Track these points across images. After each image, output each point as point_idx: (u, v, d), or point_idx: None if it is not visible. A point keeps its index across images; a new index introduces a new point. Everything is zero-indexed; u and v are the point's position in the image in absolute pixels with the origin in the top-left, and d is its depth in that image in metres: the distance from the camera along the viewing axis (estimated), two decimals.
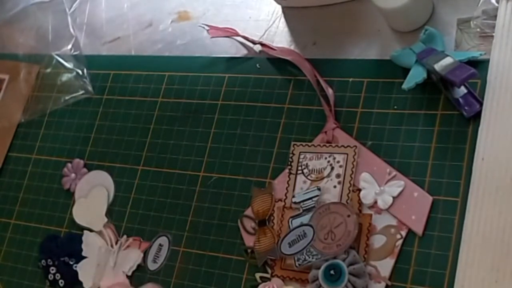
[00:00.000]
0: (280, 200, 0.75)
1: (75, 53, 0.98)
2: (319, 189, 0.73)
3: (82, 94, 0.94)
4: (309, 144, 0.76)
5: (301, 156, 0.76)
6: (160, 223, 0.81)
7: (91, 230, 0.84)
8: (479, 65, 0.69)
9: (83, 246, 0.84)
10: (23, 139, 0.96)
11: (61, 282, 0.84)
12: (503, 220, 0.63)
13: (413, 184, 0.69)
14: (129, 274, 0.80)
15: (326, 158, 0.74)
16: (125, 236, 0.82)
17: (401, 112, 0.73)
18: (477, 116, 0.68)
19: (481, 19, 0.72)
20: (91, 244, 0.83)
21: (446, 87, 0.70)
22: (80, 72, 0.95)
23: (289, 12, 0.86)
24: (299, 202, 0.73)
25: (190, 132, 0.84)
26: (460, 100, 0.69)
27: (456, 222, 0.66)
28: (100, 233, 0.84)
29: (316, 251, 0.69)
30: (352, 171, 0.72)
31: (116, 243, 0.82)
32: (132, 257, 0.80)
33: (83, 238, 0.84)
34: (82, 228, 0.85)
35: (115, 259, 0.81)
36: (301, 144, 0.76)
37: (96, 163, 0.88)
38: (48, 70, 0.99)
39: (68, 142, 0.92)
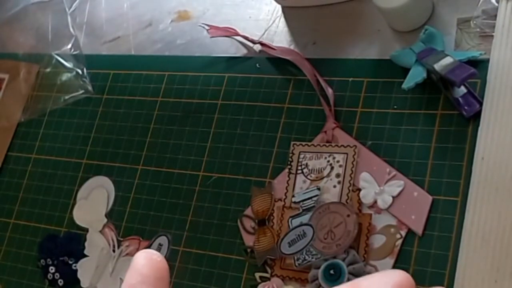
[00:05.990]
0: (280, 199, 0.75)
1: (75, 52, 0.98)
2: (318, 188, 0.73)
3: (82, 93, 0.94)
4: (309, 143, 0.76)
5: (301, 156, 0.76)
6: (159, 222, 0.81)
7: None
8: (479, 65, 0.69)
9: (86, 244, 0.84)
10: (23, 138, 0.96)
11: (60, 282, 0.84)
12: (503, 220, 0.63)
13: (413, 184, 0.69)
14: None
15: (326, 157, 0.74)
16: (126, 243, 0.82)
17: (401, 112, 0.73)
18: (477, 116, 0.68)
19: (481, 19, 0.72)
20: (94, 243, 0.83)
21: (446, 87, 0.70)
22: (80, 71, 0.95)
23: (289, 12, 0.86)
24: (299, 202, 0.73)
25: (190, 131, 0.84)
26: (460, 100, 0.69)
27: (456, 222, 0.66)
28: (102, 233, 0.84)
29: (315, 251, 0.69)
30: (352, 171, 0.72)
31: (118, 246, 0.82)
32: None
33: (88, 236, 0.84)
34: (82, 228, 0.85)
35: (114, 265, 0.81)
36: (301, 144, 0.76)
37: (96, 162, 0.88)
38: (48, 69, 0.99)
39: (67, 142, 0.92)
